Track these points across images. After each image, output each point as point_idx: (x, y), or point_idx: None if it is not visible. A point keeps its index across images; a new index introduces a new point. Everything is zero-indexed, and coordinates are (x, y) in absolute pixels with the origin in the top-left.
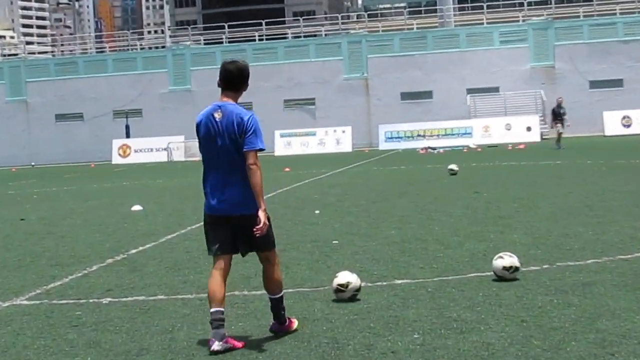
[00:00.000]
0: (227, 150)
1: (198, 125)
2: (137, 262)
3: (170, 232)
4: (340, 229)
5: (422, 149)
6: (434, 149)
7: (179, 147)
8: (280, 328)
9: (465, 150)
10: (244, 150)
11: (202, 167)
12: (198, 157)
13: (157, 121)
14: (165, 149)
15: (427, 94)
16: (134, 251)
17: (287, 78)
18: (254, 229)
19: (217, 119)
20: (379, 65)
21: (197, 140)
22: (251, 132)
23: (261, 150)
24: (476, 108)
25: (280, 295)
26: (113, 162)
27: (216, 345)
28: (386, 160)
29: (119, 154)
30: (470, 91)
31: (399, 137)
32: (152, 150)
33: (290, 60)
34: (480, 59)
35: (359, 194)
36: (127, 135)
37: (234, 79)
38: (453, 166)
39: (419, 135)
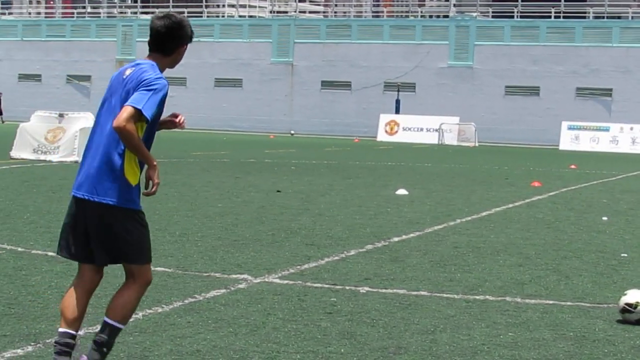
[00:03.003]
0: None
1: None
2: (399, 252)
3: (437, 222)
4: (630, 242)
5: None
6: None
7: (452, 129)
8: None
9: None
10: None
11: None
12: (472, 143)
13: (431, 99)
14: (436, 130)
15: None
16: (396, 239)
17: (583, 63)
18: (145, 192)
19: (124, 75)
20: None
21: (470, 124)
22: (144, 88)
23: (141, 115)
24: None
25: (118, 326)
26: (378, 139)
27: None
28: None
29: (386, 131)
30: None
31: None
32: (422, 130)
33: (589, 44)
34: None
35: None
36: (397, 111)
37: (161, 40)
38: None
39: None
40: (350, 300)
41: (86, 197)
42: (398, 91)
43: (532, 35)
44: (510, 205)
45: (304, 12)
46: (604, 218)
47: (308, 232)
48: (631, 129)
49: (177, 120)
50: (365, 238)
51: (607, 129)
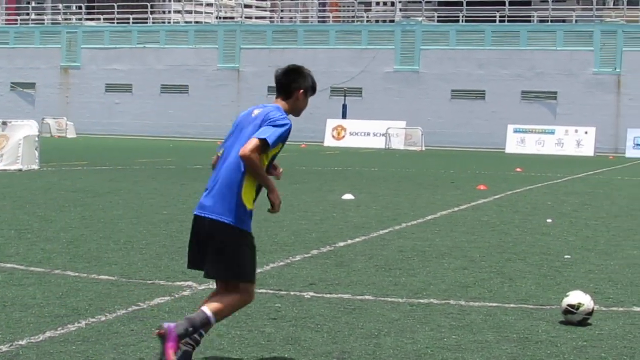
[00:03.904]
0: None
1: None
2: (345, 257)
3: (383, 227)
4: (574, 243)
5: None
6: None
7: (399, 134)
8: (168, 340)
9: None
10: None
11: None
12: (419, 147)
13: (378, 103)
14: (383, 135)
15: None
16: (341, 244)
17: (529, 67)
18: (270, 211)
19: (253, 115)
20: (635, 61)
21: (417, 128)
22: (270, 124)
23: (265, 144)
24: None
25: (209, 316)
26: (325, 144)
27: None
28: (633, 169)
29: (333, 136)
30: None
31: None
32: (369, 134)
33: (534, 47)
34: None
35: (599, 205)
36: (344, 116)
37: (281, 83)
38: None
39: None
40: (295, 305)
41: (205, 216)
42: (345, 96)
43: (477, 39)
44: (456, 209)
45: (250, 17)
46: (549, 220)
47: None
48: (576, 131)
49: (277, 171)
50: (311, 243)
51: (552, 132)
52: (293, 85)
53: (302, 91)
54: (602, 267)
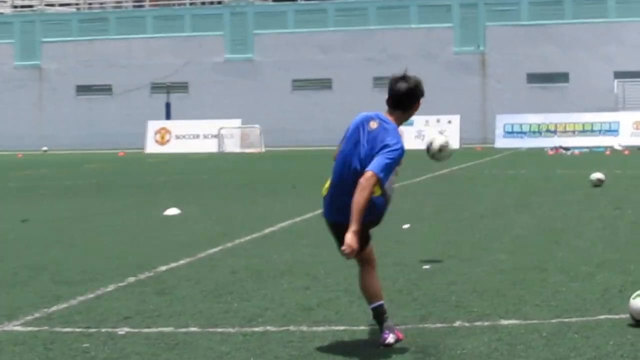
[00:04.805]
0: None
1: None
2: (167, 283)
3: (212, 244)
4: (434, 250)
5: (551, 148)
6: (567, 149)
7: (234, 134)
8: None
9: (607, 152)
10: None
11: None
12: (258, 149)
13: (208, 99)
14: (215, 136)
15: (562, 77)
16: (163, 268)
17: (380, 49)
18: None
19: (370, 129)
20: (500, 37)
21: (255, 126)
22: (385, 155)
23: (381, 181)
24: (625, 98)
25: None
26: (147, 151)
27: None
28: (504, 161)
29: (156, 140)
30: (618, 75)
31: (522, 132)
32: (198, 137)
33: (385, 26)
34: (633, 33)
35: (463, 205)
36: (168, 116)
37: (402, 100)
38: (598, 175)
39: (548, 131)
40: (106, 344)
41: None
42: (168, 93)
43: (319, 20)
44: (298, 219)
45: (53, 5)
46: (405, 226)
47: (58, 267)
48: (438, 121)
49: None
50: (127, 269)
51: (410, 123)
52: (414, 100)
53: (420, 102)
54: (466, 276)
